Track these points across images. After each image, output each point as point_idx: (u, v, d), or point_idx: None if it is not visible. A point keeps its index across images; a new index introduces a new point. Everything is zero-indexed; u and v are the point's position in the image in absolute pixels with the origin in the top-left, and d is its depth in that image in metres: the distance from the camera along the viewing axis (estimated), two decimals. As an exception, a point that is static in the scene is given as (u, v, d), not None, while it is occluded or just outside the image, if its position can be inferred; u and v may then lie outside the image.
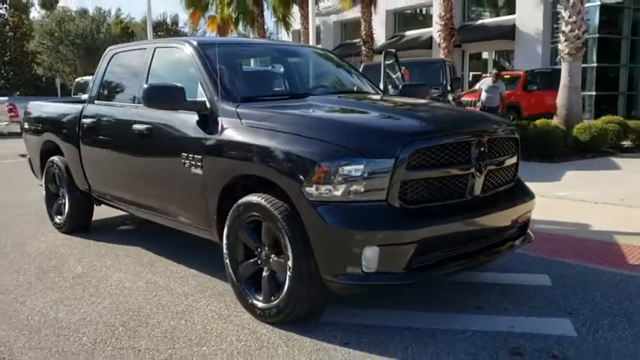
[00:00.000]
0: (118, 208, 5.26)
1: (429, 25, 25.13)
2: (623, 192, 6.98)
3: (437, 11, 22.92)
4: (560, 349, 2.96)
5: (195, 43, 4.14)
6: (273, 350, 3.05)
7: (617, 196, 6.70)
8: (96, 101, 5.00)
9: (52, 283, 4.23)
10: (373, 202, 2.97)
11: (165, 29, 47.42)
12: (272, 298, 3.32)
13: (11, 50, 39.83)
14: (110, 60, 5.01)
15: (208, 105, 3.74)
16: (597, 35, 19.22)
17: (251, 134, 3.38)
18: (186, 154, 3.80)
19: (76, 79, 17.54)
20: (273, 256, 3.33)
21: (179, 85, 3.76)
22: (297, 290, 3.14)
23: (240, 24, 28.47)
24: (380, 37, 25.75)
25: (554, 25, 20.67)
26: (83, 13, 49.49)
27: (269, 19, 30.70)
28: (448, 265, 3.17)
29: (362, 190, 2.95)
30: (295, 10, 26.15)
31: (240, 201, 3.43)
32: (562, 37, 11.10)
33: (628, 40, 20.70)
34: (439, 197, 3.15)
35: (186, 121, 3.87)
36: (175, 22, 48.23)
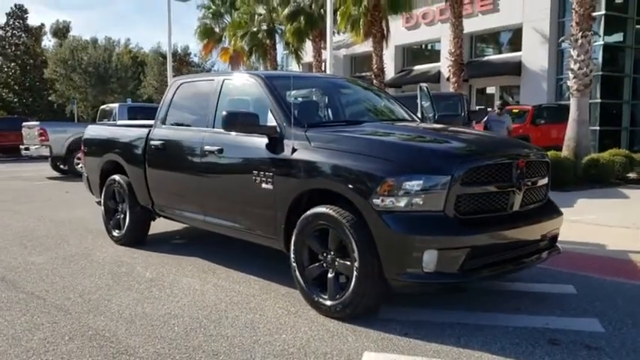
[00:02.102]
0: (178, 221, 5.81)
1: (436, 60, 26.01)
2: (633, 218, 7.51)
3: (444, 47, 23.81)
4: (592, 341, 3.45)
5: (263, 76, 4.74)
6: (343, 338, 3.55)
7: (628, 220, 7.23)
8: (163, 125, 5.57)
9: (128, 285, 4.73)
10: (432, 212, 3.51)
11: (178, 60, 48.54)
12: (337, 296, 3.83)
13: (31, 77, 40.90)
14: (177, 89, 5.59)
15: (279, 129, 4.31)
16: (601, 73, 19.96)
17: (321, 154, 3.94)
18: (257, 172, 4.35)
19: (101, 107, 18.18)
20: (338, 259, 3.85)
21: (254, 112, 4.35)
22: (363, 288, 3.66)
23: (253, 56, 29.36)
24: (389, 71, 26.56)
25: (563, 63, 21.53)
26: (94, 42, 50.76)
27: (279, 51, 31.63)
28: (493, 269, 3.70)
29: (422, 201, 3.49)
30: (307, 43, 27.06)
31: (309, 212, 3.98)
32: (571, 75, 11.79)
33: (630, 78, 21.46)
34: (486, 210, 3.70)
35: (256, 143, 4.44)
36: (188, 53, 49.35)
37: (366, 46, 23.86)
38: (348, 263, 3.73)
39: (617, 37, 21.15)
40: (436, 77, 24.93)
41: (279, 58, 31.11)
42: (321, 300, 3.93)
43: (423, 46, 28.17)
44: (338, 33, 27.32)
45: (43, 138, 14.30)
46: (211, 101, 5.06)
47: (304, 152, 4.06)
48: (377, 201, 3.54)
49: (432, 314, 3.94)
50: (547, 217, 4.08)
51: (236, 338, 3.56)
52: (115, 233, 6.28)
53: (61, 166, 15.28)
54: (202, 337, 3.58)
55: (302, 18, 24.49)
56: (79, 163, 14.75)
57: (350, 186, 3.70)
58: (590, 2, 11.38)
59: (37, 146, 14.47)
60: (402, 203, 3.50)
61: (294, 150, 4.11)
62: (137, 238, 6.19)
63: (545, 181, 4.19)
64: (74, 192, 11.63)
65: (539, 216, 4.03)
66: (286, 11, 25.22)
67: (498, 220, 3.74)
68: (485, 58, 24.26)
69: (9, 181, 14.11)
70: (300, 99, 4.68)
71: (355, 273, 3.66)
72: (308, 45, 27.36)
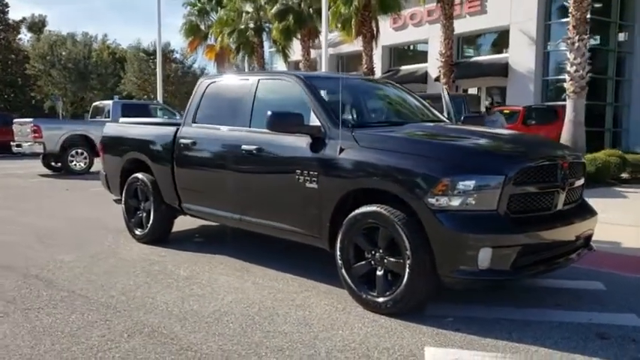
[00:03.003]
0: (206, 219, 5.86)
1: (423, 61, 26.29)
2: (638, 218, 7.76)
3: (432, 48, 24.08)
4: (637, 335, 3.61)
5: (302, 77, 4.81)
6: (399, 333, 3.65)
7: (634, 219, 7.47)
8: (193, 124, 5.60)
9: (167, 283, 4.76)
10: (486, 211, 3.63)
11: (162, 57, 47.98)
12: (387, 292, 3.92)
13: (13, 72, 40.12)
14: (206, 88, 5.62)
15: (323, 130, 4.39)
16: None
17: (372, 154, 4.03)
18: (300, 171, 4.42)
19: (94, 103, 17.99)
20: (387, 257, 3.95)
21: (299, 112, 4.42)
22: (415, 285, 3.76)
23: (240, 53, 29.28)
24: (376, 71, 26.75)
25: (549, 65, 21.94)
26: (72, 37, 49.96)
27: (266, 49, 31.61)
28: (540, 266, 3.84)
29: (476, 201, 3.61)
30: (295, 42, 27.08)
31: (358, 210, 4.06)
32: (567, 77, 12.10)
33: (613, 81, 22.00)
34: (534, 209, 3.83)
35: (298, 143, 4.51)
36: (171, 50, 48.87)
37: (353, 46, 23.98)
38: (400, 260, 3.83)
39: (600, 41, 21.64)
40: (423, 78, 25.20)
41: (265, 56, 31.11)
42: (370, 297, 4.02)
43: (410, 47, 28.42)
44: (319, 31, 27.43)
45: (37, 135, 14.12)
46: (246, 101, 5.11)
47: (353, 152, 4.14)
48: (432, 200, 3.65)
49: (478, 310, 4.06)
50: (584, 217, 4.23)
51: (294, 334, 3.63)
52: (138, 232, 6.28)
53: (54, 164, 15.11)
54: (261, 334, 3.64)
55: (291, 16, 24.55)
56: (72, 161, 14.64)
57: (404, 186, 3.79)
58: (586, 7, 11.69)
59: (29, 143, 14.28)
60: (456, 202, 3.61)
61: (341, 150, 4.18)
62: (160, 236, 6.20)
63: (581, 181, 4.34)
64: (73, 190, 11.54)
65: (577, 216, 4.18)
66: (274, 9, 25.24)
67: (545, 219, 3.88)
68: (473, 59, 24.60)
69: (3, 178, 13.89)
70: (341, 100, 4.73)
71: (407, 270, 3.76)
72: (295, 43, 27.42)
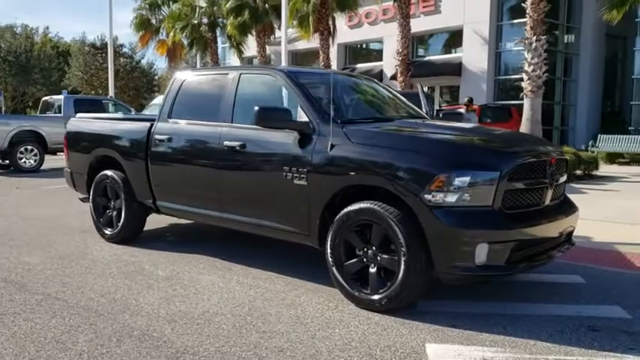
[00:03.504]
0: (182, 217, 5.69)
1: (379, 59, 26.55)
2: (602, 212, 8.03)
3: (387, 47, 24.33)
4: (627, 327, 3.71)
5: (287, 72, 4.72)
6: (396, 331, 3.62)
7: (599, 214, 7.73)
8: (169, 119, 5.41)
9: (147, 284, 4.59)
10: (481, 207, 3.65)
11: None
12: (381, 290, 3.90)
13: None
14: (182, 83, 5.45)
15: (311, 125, 4.32)
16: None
17: (365, 151, 3.99)
18: (288, 167, 4.34)
19: (44, 98, 17.23)
20: (381, 254, 3.92)
21: (287, 107, 4.33)
22: (410, 281, 3.75)
23: (194, 49, 28.76)
24: (333, 69, 26.83)
25: (501, 64, 22.52)
26: (11, 29, 47.94)
27: (219, 45, 31.15)
28: (530, 261, 3.89)
29: (472, 197, 3.63)
30: (249, 37, 26.81)
31: (350, 208, 4.02)
32: (525, 77, 12.43)
33: (561, 81, 22.81)
34: (526, 205, 3.89)
35: (284, 139, 4.42)
36: (120, 45, 47.55)
37: (308, 43, 23.98)
38: (394, 257, 3.81)
39: (549, 42, 22.34)
40: (378, 76, 25.39)
41: (219, 52, 30.66)
42: (363, 295, 3.98)
43: (365, 45, 28.62)
44: (279, 28, 27.27)
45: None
46: (227, 96, 4.98)
47: (345, 149, 4.09)
48: (428, 196, 3.64)
49: (468, 306, 4.09)
50: (568, 213, 4.33)
51: (291, 334, 3.55)
52: (108, 231, 6.04)
53: (1, 161, 14.42)
54: (257, 334, 3.55)
55: (247, 12, 24.31)
56: (22, 158, 14.02)
57: (399, 182, 3.77)
58: (542, 9, 12.02)
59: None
60: (452, 198, 3.62)
61: (332, 146, 4.12)
62: (132, 235, 5.99)
63: (564, 178, 4.43)
64: (24, 188, 11.02)
65: (562, 211, 4.27)
66: (229, 4, 24.92)
67: (535, 214, 3.94)
68: (427, 58, 24.98)
69: (-55, 176, 13.15)
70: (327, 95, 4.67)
71: (403, 267, 3.74)
72: (249, 39, 27.15)
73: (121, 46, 47.39)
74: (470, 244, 3.57)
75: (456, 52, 23.59)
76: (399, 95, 5.64)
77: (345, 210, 4.04)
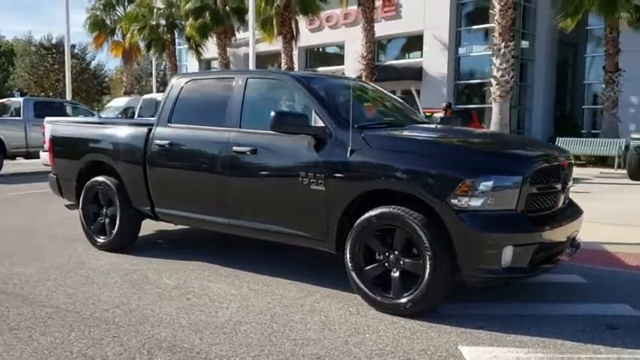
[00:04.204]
0: (182, 224, 5.58)
1: (339, 63, 26.73)
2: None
3: (349, 50, 24.53)
4: (640, 324, 3.88)
5: (299, 77, 4.70)
6: (426, 334, 3.66)
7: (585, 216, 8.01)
8: (170, 124, 5.30)
9: (157, 293, 4.47)
10: (506, 211, 3.74)
11: (61, 51, 45.28)
12: (405, 294, 3.93)
13: None
14: (182, 88, 5.33)
15: (328, 131, 4.31)
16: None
17: (387, 156, 4.02)
18: (304, 173, 4.32)
19: (0, 100, 16.52)
20: (404, 258, 3.96)
21: (303, 113, 4.32)
22: (436, 285, 3.79)
23: (152, 50, 28.21)
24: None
25: (460, 70, 23.04)
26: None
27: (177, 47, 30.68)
28: (546, 263, 4.01)
29: (497, 201, 3.71)
30: (208, 40, 26.52)
31: (372, 213, 4.03)
32: (494, 82, 12.78)
33: (517, 86, 23.50)
34: (543, 208, 4.00)
35: (299, 144, 4.40)
36: (72, 45, 46.15)
37: (269, 46, 23.89)
38: (419, 261, 3.84)
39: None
40: (340, 79, 25.57)
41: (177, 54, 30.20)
42: (386, 299, 4.00)
43: (326, 49, 28.75)
44: (239, 31, 27.15)
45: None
46: (234, 101, 4.91)
47: (365, 154, 4.10)
48: (455, 201, 3.70)
49: (488, 308, 4.17)
50: (576, 216, 4.47)
51: (323, 341, 3.54)
52: (101, 239, 5.85)
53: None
54: (289, 342, 3.52)
55: (207, 14, 24.00)
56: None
57: (425, 187, 3.81)
58: (510, 15, 12.40)
59: None
60: (478, 203, 3.69)
61: (352, 152, 4.13)
62: (126, 243, 5.82)
63: (571, 182, 4.58)
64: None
65: (571, 214, 4.41)
66: (189, 6, 24.60)
67: (550, 217, 4.06)
68: (388, 62, 25.32)
69: None
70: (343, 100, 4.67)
71: (428, 270, 3.78)
72: (208, 41, 26.84)
73: (72, 46, 45.96)
74: (496, 247, 3.66)
75: (416, 57, 23.99)
76: (401, 101, 5.71)
77: (367, 215, 4.05)
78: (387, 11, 24.01)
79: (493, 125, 13.07)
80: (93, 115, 15.90)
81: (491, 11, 13.25)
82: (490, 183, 3.69)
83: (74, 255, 5.68)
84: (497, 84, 12.66)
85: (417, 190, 3.86)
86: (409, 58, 24.79)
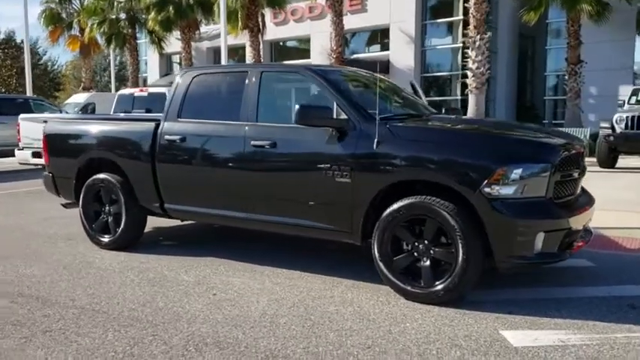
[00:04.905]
0: (194, 220, 5.51)
1: (304, 56, 26.68)
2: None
3: (314, 44, 24.53)
4: (660, 303, 4.06)
5: (317, 71, 4.69)
6: (463, 321, 3.73)
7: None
8: (180, 119, 5.20)
9: (182, 291, 4.39)
10: (536, 198, 3.84)
11: (13, 46, 43.77)
12: (436, 282, 3.99)
13: None
14: (191, 82, 5.24)
15: (351, 123, 4.32)
16: (460, 72, 22.06)
17: (416, 147, 4.07)
18: (329, 165, 4.33)
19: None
20: (434, 247, 4.02)
21: (327, 105, 4.32)
22: (470, 272, 3.87)
23: (112, 44, 27.48)
24: (258, 65, 26.66)
25: (426, 62, 23.34)
26: None
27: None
28: (570, 248, 4.14)
29: (528, 188, 3.81)
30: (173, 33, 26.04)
31: (400, 203, 4.08)
32: (470, 74, 13.03)
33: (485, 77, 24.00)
34: (566, 194, 4.13)
35: (321, 136, 4.40)
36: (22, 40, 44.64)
37: (232, 40, 23.62)
38: (451, 250, 3.92)
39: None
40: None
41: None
42: (417, 288, 4.06)
43: (292, 43, 28.65)
44: (201, 23, 26.78)
45: None
46: (249, 94, 4.85)
47: (392, 145, 4.14)
48: (487, 190, 3.78)
49: (511, 293, 4.28)
50: (591, 203, 4.60)
51: (365, 331, 3.57)
52: (105, 238, 5.70)
53: None
54: (333, 333, 3.53)
55: (171, 8, 23.53)
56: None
57: (457, 177, 3.88)
58: (485, 8, 12.65)
59: None
60: (510, 191, 3.78)
61: (379, 143, 4.16)
62: (131, 241, 5.71)
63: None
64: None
65: (587, 201, 4.55)
66: (151, -1, 24.06)
67: (571, 203, 4.19)
68: (354, 56, 25.42)
69: None
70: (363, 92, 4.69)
71: (461, 258, 3.85)
72: (170, 35, 26.36)
73: (22, 41, 44.43)
74: (530, 234, 3.76)
75: (384, 50, 24.18)
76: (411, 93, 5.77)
77: (396, 205, 4.09)
78: (353, 4, 24.10)
79: (470, 116, 13.34)
80: (60, 111, 15.43)
81: (466, 5, 13.49)
82: (522, 171, 3.78)
83: (78, 255, 5.53)
84: (473, 76, 12.93)
85: (449, 180, 3.92)
86: (376, 51, 24.96)
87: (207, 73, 5.36)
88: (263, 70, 4.94)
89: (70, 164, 5.90)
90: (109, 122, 5.90)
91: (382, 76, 5.45)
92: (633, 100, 13.52)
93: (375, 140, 4.17)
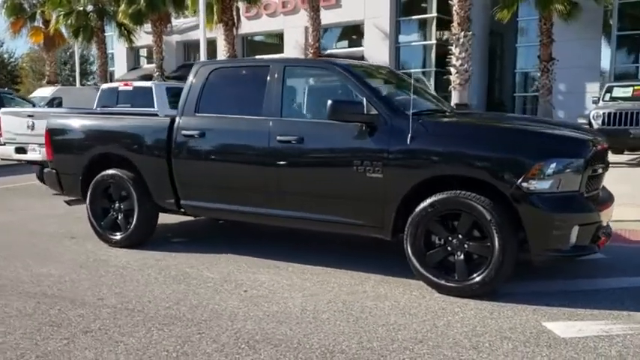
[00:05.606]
0: (210, 216, 5.45)
1: (277, 51, 26.54)
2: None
3: (287, 39, 24.43)
4: (681, 293, 4.21)
5: (345, 66, 4.67)
6: (504, 314, 3.79)
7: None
8: (197, 114, 5.11)
9: (211, 288, 4.32)
10: (571, 192, 3.93)
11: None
12: (472, 275, 4.04)
13: None
14: (209, 76, 5.15)
15: (382, 118, 4.33)
16: (434, 69, 22.36)
17: (451, 142, 4.11)
18: (360, 161, 4.32)
19: None
20: (469, 241, 4.07)
21: (359, 101, 4.32)
22: (506, 264, 3.94)
23: (80, 37, 26.71)
24: (231, 60, 26.41)
25: (400, 59, 23.53)
26: None
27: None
28: (598, 242, 4.25)
29: (563, 183, 3.89)
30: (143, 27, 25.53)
31: (434, 198, 4.11)
32: (453, 70, 13.21)
33: (453, 74, 24.38)
34: (593, 189, 4.24)
35: (350, 132, 4.39)
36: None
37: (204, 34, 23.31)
38: (487, 244, 3.97)
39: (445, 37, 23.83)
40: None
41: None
42: (451, 282, 4.10)
43: (264, 37, 28.46)
44: (172, 16, 26.37)
45: None
46: (272, 89, 4.79)
47: (427, 141, 4.16)
48: (525, 184, 3.85)
49: (541, 285, 4.37)
50: (613, 198, 4.70)
51: (411, 325, 3.59)
52: (116, 236, 5.56)
53: None
54: (381, 328, 3.54)
55: (142, 0, 23.03)
56: None
57: (494, 172, 3.94)
58: (468, 5, 12.83)
59: None
60: (547, 185, 3.86)
61: (412, 138, 4.18)
62: (143, 238, 5.58)
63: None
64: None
65: (609, 197, 4.65)
66: (122, -8, 23.52)
67: (597, 197, 4.31)
68: (329, 51, 25.41)
69: None
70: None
71: (498, 251, 3.91)
72: (139, 29, 25.84)
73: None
74: (566, 228, 3.85)
75: (358, 46, 24.27)
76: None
77: (430, 200, 4.12)
78: (326, 0, 24.07)
79: (453, 112, 13.56)
80: (32, 105, 14.95)
81: (450, 1, 13.67)
82: (558, 166, 3.86)
83: (89, 253, 5.39)
84: (456, 72, 13.13)
85: (486, 175, 3.97)
86: (350, 47, 25.03)
87: (225, 67, 5.30)
88: (286, 65, 4.89)
89: (76, 160, 5.73)
90: (119, 117, 5.75)
91: (398, 72, 5.49)
92: (607, 96, 13.91)
93: (409, 136, 4.19)
